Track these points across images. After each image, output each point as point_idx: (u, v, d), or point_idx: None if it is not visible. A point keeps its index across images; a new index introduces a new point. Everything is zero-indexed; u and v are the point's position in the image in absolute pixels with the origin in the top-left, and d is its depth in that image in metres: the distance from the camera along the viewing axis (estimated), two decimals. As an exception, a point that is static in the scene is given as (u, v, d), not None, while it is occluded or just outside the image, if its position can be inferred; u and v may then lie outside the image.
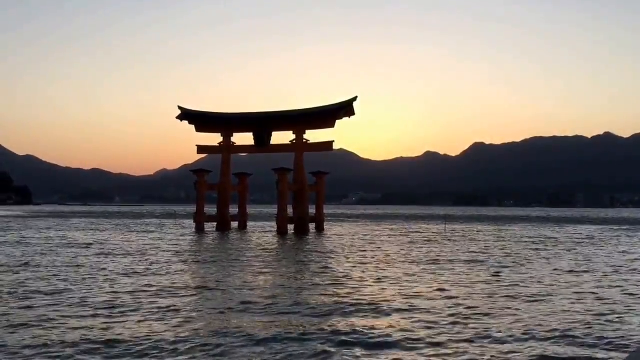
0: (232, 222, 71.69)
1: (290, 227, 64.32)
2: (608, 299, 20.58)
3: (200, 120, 70.95)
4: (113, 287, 22.09)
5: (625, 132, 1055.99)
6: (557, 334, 14.92)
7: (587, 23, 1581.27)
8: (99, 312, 17.23)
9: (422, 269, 29.68)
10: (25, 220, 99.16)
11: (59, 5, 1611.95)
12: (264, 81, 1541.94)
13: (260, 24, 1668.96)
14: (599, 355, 13.08)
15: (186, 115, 70.52)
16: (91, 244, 45.90)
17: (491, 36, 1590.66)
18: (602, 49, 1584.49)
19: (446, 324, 16.06)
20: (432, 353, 13.18)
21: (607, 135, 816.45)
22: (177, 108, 70.33)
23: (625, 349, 13.06)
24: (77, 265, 29.91)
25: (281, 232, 62.57)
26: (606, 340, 14.26)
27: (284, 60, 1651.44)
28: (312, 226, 66.94)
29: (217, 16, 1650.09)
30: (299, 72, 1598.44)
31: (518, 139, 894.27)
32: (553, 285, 24.11)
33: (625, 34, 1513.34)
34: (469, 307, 18.52)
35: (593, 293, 21.82)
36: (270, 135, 68.12)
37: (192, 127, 70.92)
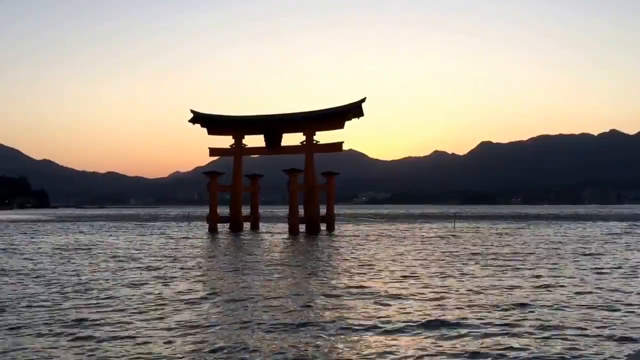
0: (244, 223, 72.90)
1: (302, 227, 65.25)
2: None
3: (212, 123, 72.05)
4: (127, 293, 22.22)
5: (630, 129, 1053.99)
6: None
7: (593, 22, 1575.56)
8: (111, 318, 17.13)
9: (437, 267, 30.80)
10: (57, 224, 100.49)
11: (74, 13, 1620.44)
12: (274, 83, 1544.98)
13: (269, 27, 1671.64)
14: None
15: (198, 118, 71.61)
16: (112, 247, 47.30)
17: (498, 36, 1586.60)
18: (607, 47, 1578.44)
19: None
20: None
21: (613, 133, 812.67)
22: (190, 111, 71.52)
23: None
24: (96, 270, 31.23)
25: (293, 232, 63.60)
26: None
27: (293, 63, 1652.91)
28: (322, 226, 67.86)
29: (227, 20, 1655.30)
30: (308, 74, 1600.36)
31: (525, 138, 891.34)
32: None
33: (630, 32, 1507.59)
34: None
35: None
36: (281, 136, 69.04)
37: (205, 129, 72.05)
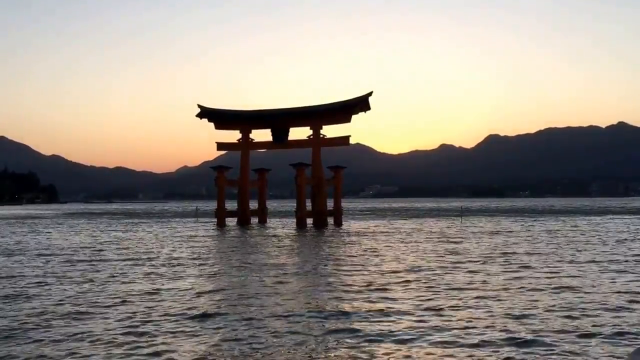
0: (252, 217, 72.96)
1: (309, 221, 65.19)
2: None
3: (220, 117, 72.20)
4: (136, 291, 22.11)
5: (639, 122, 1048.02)
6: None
7: (601, 14, 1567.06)
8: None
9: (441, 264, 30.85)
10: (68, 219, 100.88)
11: (83, 11, 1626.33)
12: (280, 78, 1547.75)
13: (277, 23, 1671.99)
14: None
15: (206, 113, 71.76)
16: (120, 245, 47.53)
17: (505, 28, 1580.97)
18: (615, 39, 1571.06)
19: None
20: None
21: (621, 125, 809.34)
22: (197, 106, 71.69)
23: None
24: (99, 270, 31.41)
25: (300, 226, 63.62)
26: None
27: (300, 58, 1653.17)
28: (330, 220, 67.46)
29: (234, 15, 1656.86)
30: (315, 68, 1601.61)
31: (532, 130, 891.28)
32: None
33: (639, 24, 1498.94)
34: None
35: None
36: (288, 131, 69.13)
37: (212, 124, 72.25)
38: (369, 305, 18.03)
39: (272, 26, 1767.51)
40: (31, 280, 23.91)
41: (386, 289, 20.89)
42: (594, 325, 14.89)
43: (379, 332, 14.54)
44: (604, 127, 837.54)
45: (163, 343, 13.74)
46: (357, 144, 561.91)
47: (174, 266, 28.70)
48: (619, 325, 14.88)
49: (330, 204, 68.98)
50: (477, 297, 18.93)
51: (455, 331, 14.43)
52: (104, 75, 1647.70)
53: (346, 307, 17.73)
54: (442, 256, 31.98)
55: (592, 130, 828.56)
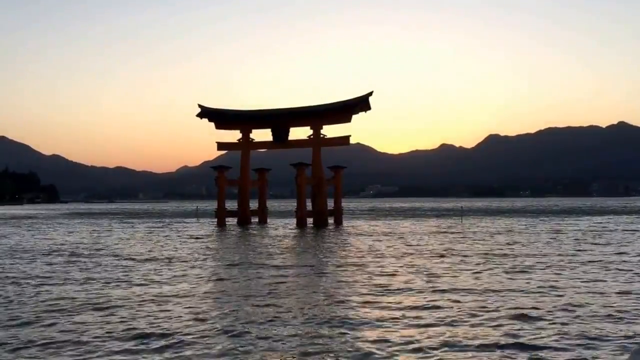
0: (252, 217, 72.86)
1: (309, 221, 65.12)
2: None
3: (220, 117, 72.20)
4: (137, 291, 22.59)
5: (639, 122, 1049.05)
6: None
7: (602, 14, 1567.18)
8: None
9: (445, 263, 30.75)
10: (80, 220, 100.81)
11: (81, 10, 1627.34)
12: (280, 77, 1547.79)
13: (275, 20, 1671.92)
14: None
15: (206, 113, 71.76)
16: (121, 245, 47.45)
17: (506, 28, 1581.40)
18: (616, 39, 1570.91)
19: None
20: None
21: (621, 125, 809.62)
22: (197, 106, 71.66)
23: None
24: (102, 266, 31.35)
25: (300, 226, 63.61)
26: None
27: (301, 57, 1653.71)
28: (330, 219, 67.52)
29: (235, 14, 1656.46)
30: (315, 68, 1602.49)
31: (533, 130, 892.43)
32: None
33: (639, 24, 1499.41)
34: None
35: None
36: (288, 131, 69.13)
37: (212, 124, 72.25)
38: (370, 305, 17.93)
39: (272, 25, 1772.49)
40: (31, 280, 23.88)
41: (387, 289, 20.76)
42: (597, 327, 14.80)
43: (381, 332, 14.47)
44: (604, 127, 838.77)
45: (164, 344, 13.64)
46: (357, 144, 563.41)
47: (174, 266, 28.61)
48: (621, 326, 14.84)
49: (330, 204, 68.93)
50: (478, 298, 18.88)
51: (458, 332, 14.37)
52: (104, 74, 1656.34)
53: (347, 307, 17.65)
54: (443, 256, 31.83)
55: (592, 130, 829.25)
